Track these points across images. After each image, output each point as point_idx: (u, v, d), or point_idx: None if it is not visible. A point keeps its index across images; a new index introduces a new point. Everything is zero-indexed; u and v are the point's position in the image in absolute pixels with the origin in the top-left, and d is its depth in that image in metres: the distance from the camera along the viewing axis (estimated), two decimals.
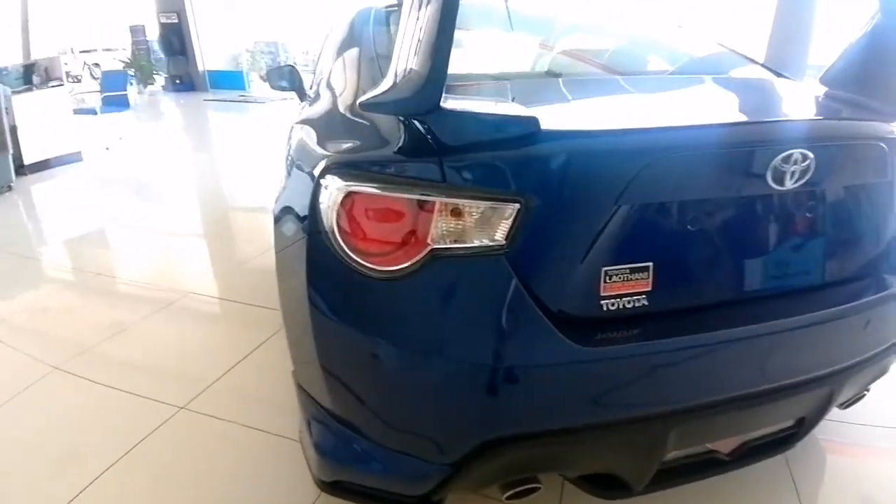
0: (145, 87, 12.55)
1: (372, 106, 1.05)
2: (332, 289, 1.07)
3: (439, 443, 1.05)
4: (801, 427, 1.30)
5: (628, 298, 1.02)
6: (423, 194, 0.95)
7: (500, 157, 0.95)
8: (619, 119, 1.21)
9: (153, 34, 12.70)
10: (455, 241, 0.96)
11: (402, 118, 1.05)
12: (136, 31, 12.99)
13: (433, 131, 0.97)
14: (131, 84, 11.53)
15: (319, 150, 1.17)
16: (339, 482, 1.18)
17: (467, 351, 0.98)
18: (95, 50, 13.73)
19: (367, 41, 1.69)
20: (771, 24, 7.25)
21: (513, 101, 1.17)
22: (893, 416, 1.80)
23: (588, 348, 0.97)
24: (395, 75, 1.01)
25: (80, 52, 13.26)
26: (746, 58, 1.88)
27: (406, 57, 0.97)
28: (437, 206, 0.95)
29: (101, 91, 7.16)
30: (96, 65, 13.07)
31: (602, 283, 1.00)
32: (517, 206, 0.94)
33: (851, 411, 1.62)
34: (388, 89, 1.02)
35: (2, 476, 1.64)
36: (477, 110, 1.03)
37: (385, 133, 1.10)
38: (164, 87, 12.71)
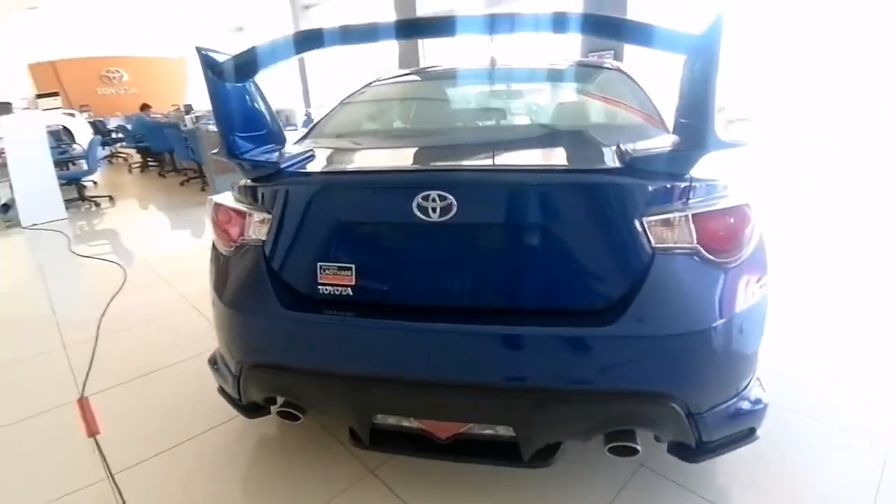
0: None
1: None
2: (212, 262, 1.81)
3: (229, 360, 1.67)
4: (521, 441, 1.43)
5: (337, 288, 1.48)
6: (234, 209, 1.64)
7: (260, 187, 1.56)
8: (340, 165, 1.75)
9: None
10: (248, 237, 1.60)
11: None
12: None
13: (240, 170, 1.64)
14: None
15: None
16: (220, 387, 1.88)
17: (237, 302, 1.59)
18: None
19: None
20: None
21: (308, 155, 1.67)
22: None
23: (293, 312, 1.47)
24: None
25: None
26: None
27: None
28: (244, 215, 1.61)
29: None
30: None
31: (319, 274, 1.50)
32: (268, 216, 1.54)
33: None
34: None
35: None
36: (249, 157, 1.58)
37: None
38: None
